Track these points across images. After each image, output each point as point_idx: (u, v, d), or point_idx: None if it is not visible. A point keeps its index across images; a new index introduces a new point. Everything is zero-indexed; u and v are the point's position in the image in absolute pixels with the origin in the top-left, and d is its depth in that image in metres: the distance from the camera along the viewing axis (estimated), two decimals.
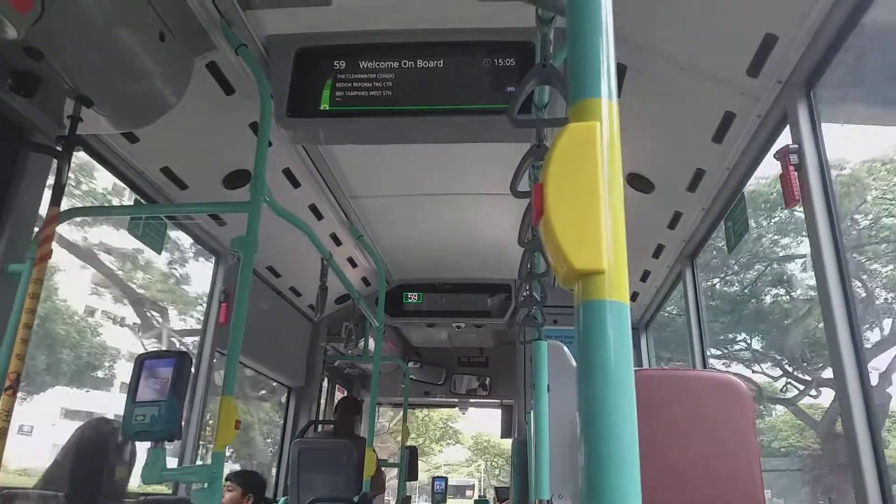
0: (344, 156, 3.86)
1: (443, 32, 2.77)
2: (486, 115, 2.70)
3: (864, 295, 12.29)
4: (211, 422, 4.03)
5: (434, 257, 5.46)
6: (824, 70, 2.39)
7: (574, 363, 2.84)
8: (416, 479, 6.30)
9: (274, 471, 5.70)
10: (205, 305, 4.20)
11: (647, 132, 3.09)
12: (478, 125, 2.74)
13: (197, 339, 4.02)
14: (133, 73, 2.37)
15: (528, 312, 3.25)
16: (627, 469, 0.65)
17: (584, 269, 0.69)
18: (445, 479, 8.48)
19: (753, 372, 16.15)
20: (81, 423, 2.82)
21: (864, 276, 12.28)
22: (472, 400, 7.52)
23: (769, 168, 2.75)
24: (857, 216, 11.97)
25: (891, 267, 12.40)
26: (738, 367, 16.30)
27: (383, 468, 5.66)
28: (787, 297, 15.11)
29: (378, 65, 2.77)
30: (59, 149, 2.37)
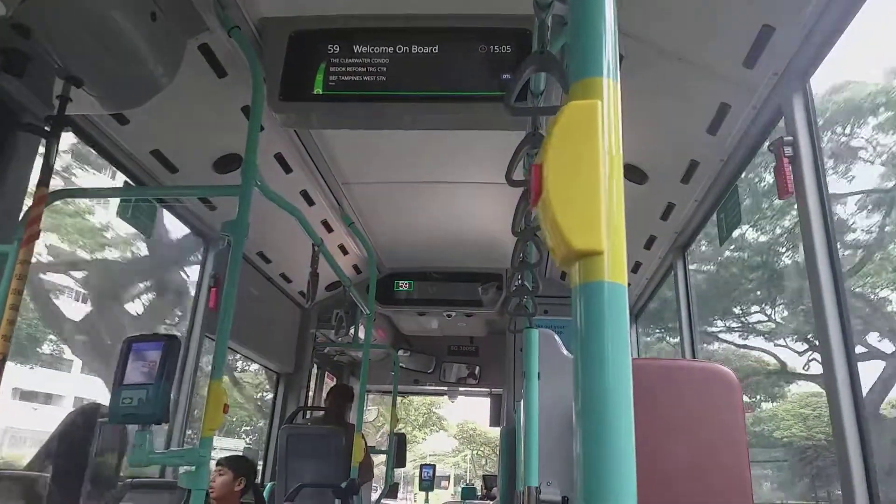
0: (336, 141, 3.83)
1: (438, 18, 2.75)
2: (481, 102, 2.68)
3: None
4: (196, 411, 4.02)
5: (425, 245, 5.45)
6: (820, 62, 2.39)
7: (565, 352, 2.85)
8: (403, 465, 6.31)
9: (262, 456, 5.70)
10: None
11: (642, 123, 3.08)
12: (472, 112, 2.73)
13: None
14: (123, 53, 2.34)
15: (519, 301, 3.25)
16: (623, 446, 0.64)
17: (583, 250, 0.68)
18: (433, 466, 8.52)
19: (776, 345, 15.08)
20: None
21: None
22: (461, 389, 7.54)
23: None
24: None
25: None
26: (757, 341, 15.32)
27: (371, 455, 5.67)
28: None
29: (372, 49, 2.75)
30: (47, 129, 2.34)
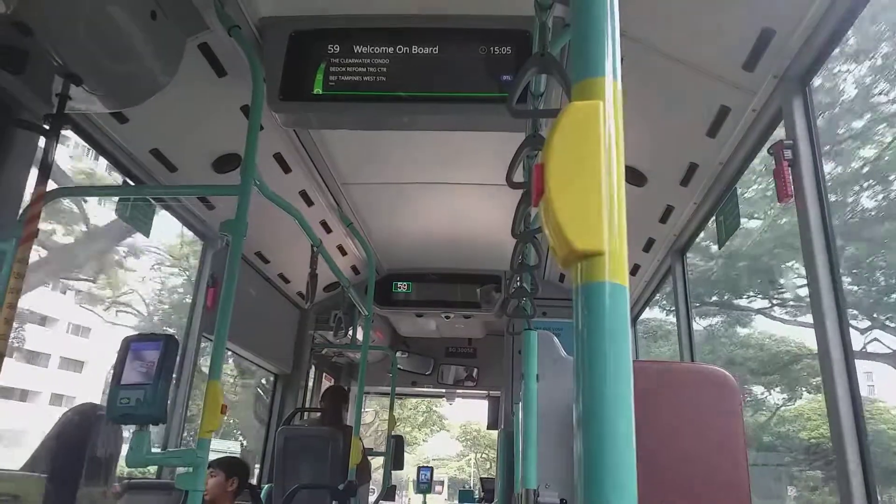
0: (336, 142, 3.83)
1: (439, 19, 2.75)
2: (481, 103, 2.68)
3: None
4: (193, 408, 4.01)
5: (424, 247, 5.45)
6: (821, 65, 2.39)
7: (564, 353, 2.85)
8: (401, 468, 6.30)
9: (259, 458, 5.69)
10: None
11: (641, 125, 3.08)
12: (472, 113, 2.72)
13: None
14: (123, 51, 2.34)
15: (518, 303, 3.25)
16: (624, 445, 0.64)
17: (584, 250, 0.68)
18: (431, 468, 8.48)
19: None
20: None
21: None
22: (459, 390, 7.53)
23: None
24: None
25: None
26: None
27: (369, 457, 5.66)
28: None
29: (372, 50, 2.75)
30: (46, 127, 2.33)
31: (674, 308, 4.02)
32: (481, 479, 8.27)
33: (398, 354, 6.80)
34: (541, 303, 3.62)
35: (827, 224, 2.33)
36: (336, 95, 2.73)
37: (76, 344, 34.73)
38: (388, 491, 5.98)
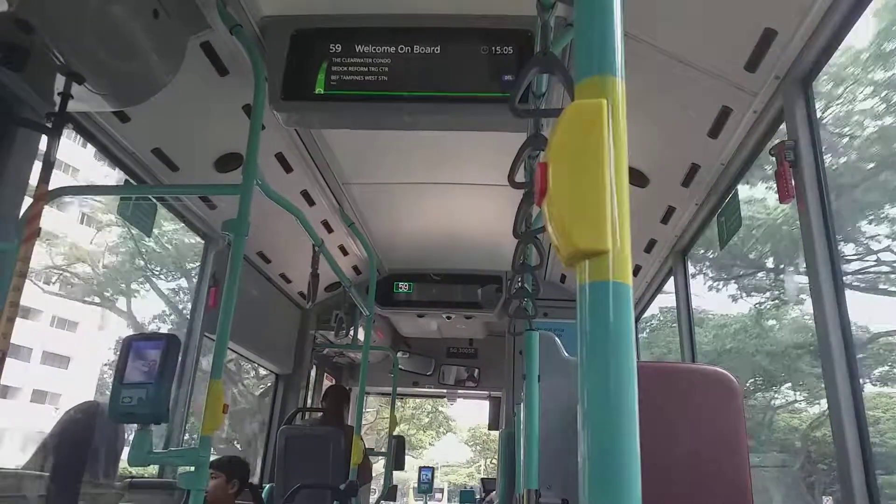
0: (337, 141, 3.83)
1: (440, 18, 2.75)
2: (483, 103, 2.68)
3: None
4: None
5: (426, 247, 5.45)
6: (822, 66, 2.39)
7: (565, 354, 2.84)
8: (402, 468, 6.30)
9: (260, 457, 5.68)
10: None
11: (643, 126, 3.08)
12: (474, 113, 2.73)
13: None
14: (126, 49, 2.34)
15: (519, 304, 3.24)
16: (628, 444, 0.64)
17: (588, 249, 0.68)
18: (432, 469, 8.48)
19: None
20: None
21: None
22: (460, 391, 7.52)
23: None
24: None
25: None
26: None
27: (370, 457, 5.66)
28: None
29: (374, 49, 2.75)
30: (48, 125, 2.33)
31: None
32: (482, 479, 8.27)
33: (399, 354, 6.81)
34: (542, 303, 3.62)
35: (828, 224, 2.33)
36: (338, 95, 2.73)
37: (61, 338, 33.72)
38: (389, 491, 5.98)
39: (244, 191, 2.36)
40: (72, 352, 34.16)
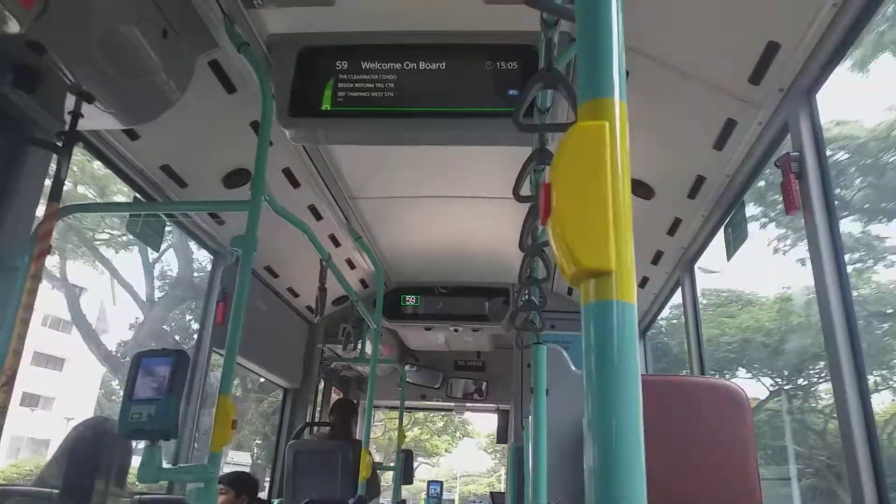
0: (344, 156, 3.85)
1: (445, 35, 2.77)
2: (488, 118, 2.70)
3: None
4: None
5: (432, 260, 5.46)
6: (826, 78, 2.40)
7: (573, 367, 2.84)
8: (411, 482, 6.28)
9: (269, 472, 5.68)
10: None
11: (648, 138, 3.09)
12: (479, 128, 2.74)
13: None
14: (135, 69, 2.37)
15: (526, 317, 3.25)
16: (634, 466, 0.64)
17: (592, 269, 0.68)
18: (441, 483, 8.43)
19: None
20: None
21: None
22: (468, 404, 7.51)
23: None
24: None
25: None
26: None
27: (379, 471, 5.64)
28: None
29: (380, 66, 2.77)
30: (59, 144, 2.36)
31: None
32: (491, 493, 8.23)
33: (407, 368, 6.80)
34: (549, 316, 3.62)
35: (835, 235, 2.33)
36: (344, 111, 2.76)
37: (55, 339, 32.06)
38: None
39: (252, 206, 2.38)
40: (67, 353, 32.64)
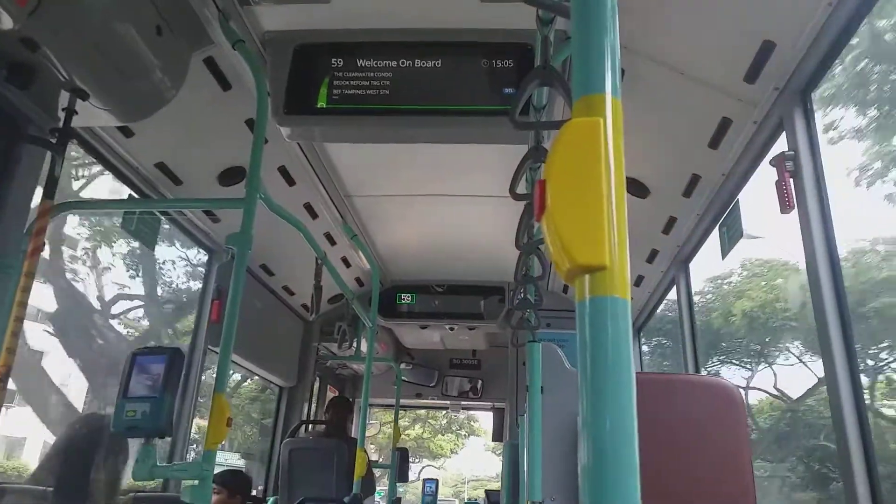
0: (339, 154, 3.85)
1: (441, 32, 2.77)
2: (484, 115, 2.70)
3: None
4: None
5: (428, 258, 5.46)
6: (821, 77, 2.41)
7: (568, 365, 2.85)
8: (406, 480, 6.29)
9: (264, 470, 5.67)
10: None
11: (643, 137, 3.10)
12: (475, 126, 2.74)
13: None
14: (129, 66, 2.36)
15: (522, 315, 3.24)
16: (628, 462, 0.64)
17: (587, 265, 0.69)
18: (436, 481, 8.41)
19: None
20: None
21: None
22: (463, 402, 7.52)
23: None
24: None
25: None
26: None
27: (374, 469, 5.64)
28: None
29: (376, 63, 2.77)
30: (53, 141, 2.35)
31: None
32: (486, 491, 8.25)
33: (402, 366, 6.80)
34: (545, 314, 3.62)
35: (830, 234, 2.34)
36: (340, 109, 2.75)
37: (34, 330, 31.98)
38: (394, 503, 5.96)
39: (247, 204, 2.37)
40: (46, 345, 32.60)
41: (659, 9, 2.48)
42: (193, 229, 4.00)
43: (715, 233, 3.39)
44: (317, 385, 6.45)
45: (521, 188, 2.27)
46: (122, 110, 2.51)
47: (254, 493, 4.44)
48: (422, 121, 2.75)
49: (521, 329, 3.24)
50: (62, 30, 2.06)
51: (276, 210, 2.93)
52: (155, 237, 3.18)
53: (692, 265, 4.01)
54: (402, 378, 6.39)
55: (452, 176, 4.12)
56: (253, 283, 4.64)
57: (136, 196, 3.40)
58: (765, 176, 2.56)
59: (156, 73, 2.47)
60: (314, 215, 4.32)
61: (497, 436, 7.57)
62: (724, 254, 3.17)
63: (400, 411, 6.30)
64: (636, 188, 3.52)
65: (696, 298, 4.13)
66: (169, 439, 3.78)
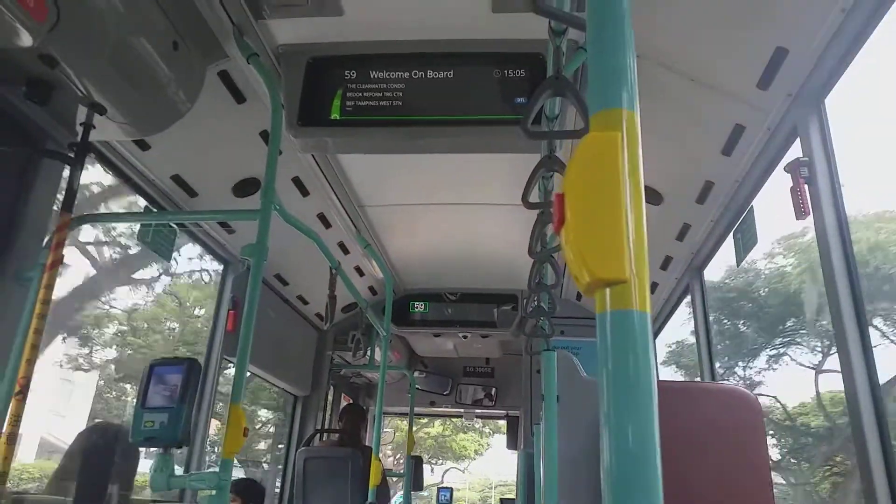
0: (353, 165, 3.87)
1: (453, 43, 2.78)
2: (496, 125, 2.70)
3: None
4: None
5: (441, 267, 5.46)
6: (834, 83, 2.39)
7: (584, 373, 2.85)
8: (421, 489, 6.27)
9: (279, 480, 5.68)
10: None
11: (657, 144, 3.09)
12: (487, 136, 2.75)
13: None
14: (146, 81, 2.39)
15: (535, 323, 3.24)
16: (651, 473, 0.64)
17: (607, 279, 0.69)
18: (450, 489, 8.36)
19: None
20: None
21: None
22: (477, 411, 7.50)
23: None
24: None
25: None
26: None
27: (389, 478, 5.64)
28: None
29: (389, 75, 2.79)
30: (71, 155, 2.39)
31: None
32: (501, 499, 8.21)
33: (416, 374, 6.80)
34: (559, 322, 3.61)
35: (846, 240, 2.32)
36: (353, 120, 2.77)
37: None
38: None
39: (262, 216, 2.39)
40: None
41: (671, 16, 2.48)
42: (208, 241, 4.03)
43: (729, 239, 3.37)
44: (331, 394, 6.46)
45: (534, 197, 2.28)
46: (138, 124, 2.54)
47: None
48: (434, 131, 2.76)
49: (535, 337, 3.24)
50: (80, 46, 2.10)
51: (291, 221, 2.95)
52: (171, 249, 3.21)
53: (706, 272, 4.00)
54: (416, 386, 6.38)
55: (464, 185, 4.13)
56: (267, 293, 4.67)
57: (152, 208, 3.43)
58: (780, 182, 2.55)
59: (171, 88, 2.49)
60: (328, 225, 4.34)
61: (511, 444, 7.54)
62: (739, 260, 3.16)
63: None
64: (650, 195, 3.52)
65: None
66: (186, 448, 3.79)
